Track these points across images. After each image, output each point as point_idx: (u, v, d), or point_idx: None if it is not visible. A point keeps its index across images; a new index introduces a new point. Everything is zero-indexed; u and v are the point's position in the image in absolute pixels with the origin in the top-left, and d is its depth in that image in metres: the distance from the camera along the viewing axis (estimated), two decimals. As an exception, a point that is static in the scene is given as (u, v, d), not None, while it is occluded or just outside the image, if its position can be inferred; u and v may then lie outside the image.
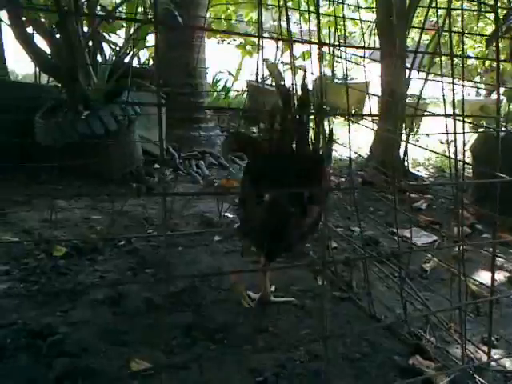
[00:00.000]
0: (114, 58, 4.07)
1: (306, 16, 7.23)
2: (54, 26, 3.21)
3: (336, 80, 7.29)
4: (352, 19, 7.42)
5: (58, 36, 3.23)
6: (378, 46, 4.62)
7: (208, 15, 7.28)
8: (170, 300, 2.24)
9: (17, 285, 2.26)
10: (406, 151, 4.65)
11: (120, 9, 4.72)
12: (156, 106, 0.95)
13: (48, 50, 3.32)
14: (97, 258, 2.58)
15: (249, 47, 6.92)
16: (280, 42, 6.82)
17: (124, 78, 3.60)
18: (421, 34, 3.35)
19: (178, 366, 1.81)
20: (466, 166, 2.36)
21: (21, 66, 5.37)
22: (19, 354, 1.79)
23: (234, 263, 2.59)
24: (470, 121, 4.92)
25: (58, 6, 2.95)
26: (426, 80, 3.11)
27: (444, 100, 2.14)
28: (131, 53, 4.20)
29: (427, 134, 6.10)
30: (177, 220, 3.11)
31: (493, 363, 1.92)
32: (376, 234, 3.18)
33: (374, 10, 5.46)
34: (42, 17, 3.11)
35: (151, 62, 5.07)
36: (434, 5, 2.54)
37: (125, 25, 4.57)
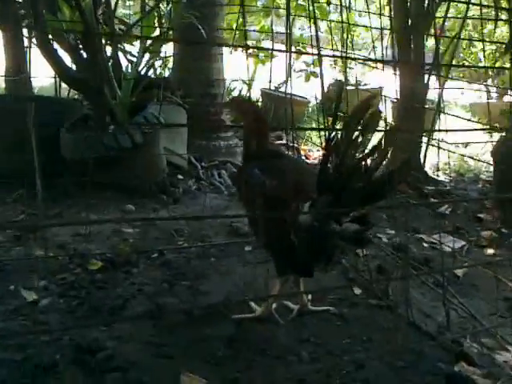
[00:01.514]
0: (131, 69, 4.09)
1: (317, 22, 7.25)
2: (78, 41, 3.24)
3: (349, 86, 7.30)
4: (364, 26, 7.44)
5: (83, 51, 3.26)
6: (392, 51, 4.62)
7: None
8: (209, 312, 2.26)
9: (57, 300, 2.28)
10: (425, 156, 4.67)
11: (135, 17, 4.77)
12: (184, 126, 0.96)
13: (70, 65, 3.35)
14: (132, 270, 2.60)
15: (261, 55, 6.94)
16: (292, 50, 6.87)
17: (145, 90, 3.63)
18: (436, 41, 3.38)
19: (229, 378, 1.82)
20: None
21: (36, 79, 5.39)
22: (70, 369, 1.80)
23: (267, 273, 2.58)
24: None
25: (85, 22, 2.97)
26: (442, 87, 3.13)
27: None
28: (148, 64, 4.22)
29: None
30: (206, 230, 3.12)
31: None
32: (404, 240, 3.17)
33: (388, 15, 5.49)
34: (66, 32, 3.13)
35: (167, 73, 5.08)
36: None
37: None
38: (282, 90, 6.89)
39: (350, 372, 1.89)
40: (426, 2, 4.16)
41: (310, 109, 7.18)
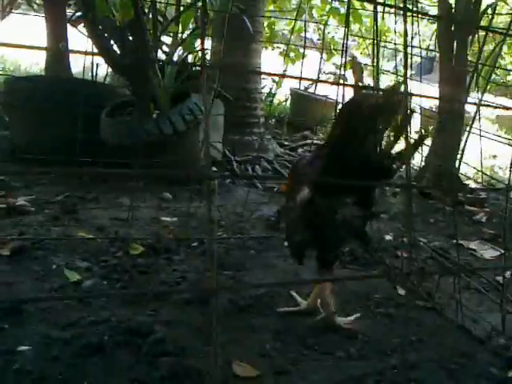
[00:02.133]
0: (171, 58, 4.07)
1: (351, 28, 7.23)
2: (124, 26, 3.21)
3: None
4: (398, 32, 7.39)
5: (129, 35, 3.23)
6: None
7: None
8: (254, 303, 2.22)
9: (100, 282, 2.25)
10: (459, 165, 4.61)
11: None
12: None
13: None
14: (172, 257, 2.57)
15: (292, 55, 6.92)
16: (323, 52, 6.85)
17: (188, 79, 3.60)
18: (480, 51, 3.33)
19: (280, 370, 1.78)
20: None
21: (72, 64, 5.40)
22: (119, 351, 1.77)
23: (309, 269, 2.54)
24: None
25: (135, 5, 2.95)
26: (479, 103, 3.08)
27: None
28: (185, 54, 4.19)
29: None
30: (244, 223, 3.09)
31: None
32: (444, 246, 3.13)
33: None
34: (114, 16, 3.11)
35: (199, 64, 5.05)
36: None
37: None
38: (311, 90, 6.89)
39: (401, 371, 1.85)
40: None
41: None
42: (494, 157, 6.30)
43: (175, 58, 4.05)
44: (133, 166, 3.15)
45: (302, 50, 7.02)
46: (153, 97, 3.27)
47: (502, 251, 3.21)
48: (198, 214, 3.07)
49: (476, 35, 4.02)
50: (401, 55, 8.44)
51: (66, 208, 2.91)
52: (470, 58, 4.46)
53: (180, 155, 3.28)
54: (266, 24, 7.31)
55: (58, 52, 3.86)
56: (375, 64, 2.88)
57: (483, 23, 4.37)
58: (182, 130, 3.18)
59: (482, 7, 4.13)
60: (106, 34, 3.18)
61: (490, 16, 4.56)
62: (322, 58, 6.67)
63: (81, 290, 2.18)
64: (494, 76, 8.89)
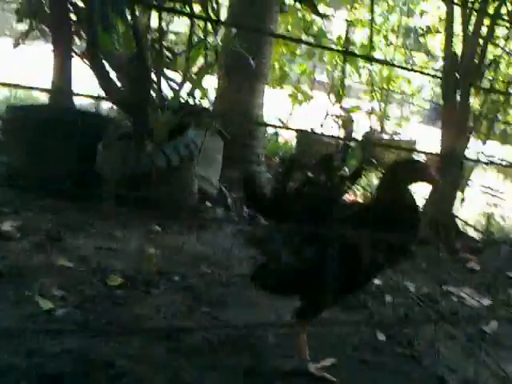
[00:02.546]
0: (172, 96, 4.12)
1: (360, 71, 7.30)
2: (128, 59, 3.27)
3: (384, 135, 7.29)
4: (408, 80, 7.48)
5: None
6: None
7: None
8: (227, 340, 2.18)
9: (73, 311, 2.22)
10: (457, 212, 4.58)
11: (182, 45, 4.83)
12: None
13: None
14: (152, 291, 2.54)
15: (300, 96, 6.98)
16: (331, 94, 6.91)
17: (186, 116, 3.63)
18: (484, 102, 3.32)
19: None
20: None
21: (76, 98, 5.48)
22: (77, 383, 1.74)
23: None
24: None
25: (137, 40, 3.01)
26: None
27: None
28: (190, 91, 4.24)
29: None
30: (231, 259, 3.06)
31: None
32: (432, 292, 3.07)
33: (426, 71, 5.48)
34: (118, 49, 3.17)
35: (206, 104, 5.11)
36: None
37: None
38: (318, 132, 6.91)
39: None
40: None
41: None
42: (495, 206, 6.25)
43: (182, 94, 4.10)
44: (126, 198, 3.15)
45: (309, 92, 7.10)
46: (149, 130, 3.29)
47: (491, 301, 3.17)
48: (184, 248, 3.06)
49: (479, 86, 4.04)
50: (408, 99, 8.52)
51: (51, 236, 2.90)
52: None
53: (173, 189, 3.28)
54: (277, 66, 7.42)
55: (61, 89, 3.92)
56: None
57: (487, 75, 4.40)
58: (176, 164, 3.19)
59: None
60: (106, 67, 3.23)
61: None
62: (329, 99, 6.73)
63: (52, 318, 2.15)
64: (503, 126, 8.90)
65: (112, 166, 3.22)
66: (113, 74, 3.37)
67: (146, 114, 3.17)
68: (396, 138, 7.22)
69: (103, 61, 3.14)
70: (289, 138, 7.07)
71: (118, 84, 3.31)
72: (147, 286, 2.57)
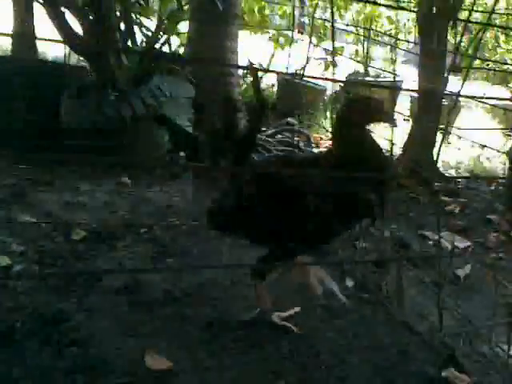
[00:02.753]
0: (145, 43, 3.97)
1: (341, 12, 7.08)
2: (87, 5, 3.12)
3: (368, 78, 7.12)
4: (388, 17, 7.27)
5: (90, 16, 3.14)
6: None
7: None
8: (190, 293, 2.14)
9: (32, 267, 2.17)
10: (439, 153, 4.50)
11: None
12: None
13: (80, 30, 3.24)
14: (117, 244, 2.48)
15: (281, 40, 6.79)
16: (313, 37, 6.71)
17: (156, 63, 3.50)
18: (462, 35, 3.20)
19: (198, 363, 1.70)
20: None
21: (52, 47, 5.30)
22: (29, 339, 1.70)
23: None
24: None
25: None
26: (463, 84, 2.96)
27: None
28: (162, 39, 4.09)
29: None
30: (200, 208, 2.99)
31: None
32: (407, 237, 3.03)
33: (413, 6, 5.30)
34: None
35: (182, 49, 4.95)
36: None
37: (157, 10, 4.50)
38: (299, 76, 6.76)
39: (328, 367, 1.77)
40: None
41: (327, 98, 7.01)
42: (484, 147, 6.16)
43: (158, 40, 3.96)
44: (92, 149, 3.07)
45: (290, 35, 6.89)
46: (112, 78, 3.17)
47: (469, 243, 3.13)
48: (153, 200, 3.00)
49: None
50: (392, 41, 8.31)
51: (14, 191, 2.83)
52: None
53: (140, 139, 3.19)
54: (256, 9, 7.19)
55: (23, 35, 3.77)
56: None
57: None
58: (142, 113, 3.08)
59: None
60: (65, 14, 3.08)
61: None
62: (310, 43, 6.53)
63: (9, 274, 2.11)
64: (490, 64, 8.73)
65: (76, 117, 3.11)
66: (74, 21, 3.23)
67: (106, 59, 3.04)
68: (380, 79, 7.06)
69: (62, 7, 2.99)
70: (270, 83, 6.92)
71: (79, 31, 3.17)
72: (112, 240, 2.52)
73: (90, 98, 3.20)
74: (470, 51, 4.78)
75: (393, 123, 1.93)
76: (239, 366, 1.74)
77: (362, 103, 1.86)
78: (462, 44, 4.72)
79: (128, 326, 1.85)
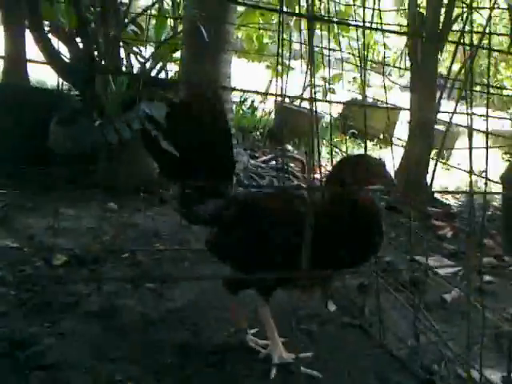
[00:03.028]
0: (140, 71, 4.00)
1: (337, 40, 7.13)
2: (75, 31, 3.15)
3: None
4: (384, 45, 7.32)
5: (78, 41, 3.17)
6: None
7: (240, 35, 7.28)
8: (168, 317, 2.11)
9: (8, 291, 2.15)
10: (433, 177, 4.48)
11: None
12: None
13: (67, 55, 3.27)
14: (98, 269, 2.47)
15: (279, 68, 6.83)
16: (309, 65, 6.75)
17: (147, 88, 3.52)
18: (452, 61, 3.20)
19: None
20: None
21: (42, 72, 5.32)
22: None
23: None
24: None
25: (78, 10, 2.89)
26: (454, 111, 2.96)
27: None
28: (158, 66, 4.12)
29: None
30: (186, 235, 2.98)
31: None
32: (395, 261, 3.00)
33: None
34: (62, 21, 3.05)
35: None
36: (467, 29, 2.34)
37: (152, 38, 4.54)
38: (297, 104, 6.79)
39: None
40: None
41: (324, 124, 7.03)
42: (483, 172, 6.12)
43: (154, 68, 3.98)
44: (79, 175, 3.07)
45: (287, 63, 6.95)
46: (99, 105, 3.19)
47: (460, 268, 3.09)
48: (140, 225, 2.99)
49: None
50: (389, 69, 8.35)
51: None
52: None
53: (127, 164, 3.20)
54: (254, 37, 7.27)
55: (16, 60, 3.81)
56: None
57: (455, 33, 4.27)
58: (128, 138, 3.08)
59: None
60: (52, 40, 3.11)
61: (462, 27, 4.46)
62: (307, 71, 6.58)
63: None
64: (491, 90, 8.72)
65: (64, 143, 3.12)
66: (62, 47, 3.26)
67: (92, 85, 3.06)
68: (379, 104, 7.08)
69: (47, 33, 3.02)
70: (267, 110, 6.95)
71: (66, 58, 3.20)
72: (94, 265, 2.50)
73: (79, 123, 3.21)
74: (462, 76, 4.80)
75: (391, 186, 1.82)
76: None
77: (360, 164, 1.69)
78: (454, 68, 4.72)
79: (99, 351, 1.82)
